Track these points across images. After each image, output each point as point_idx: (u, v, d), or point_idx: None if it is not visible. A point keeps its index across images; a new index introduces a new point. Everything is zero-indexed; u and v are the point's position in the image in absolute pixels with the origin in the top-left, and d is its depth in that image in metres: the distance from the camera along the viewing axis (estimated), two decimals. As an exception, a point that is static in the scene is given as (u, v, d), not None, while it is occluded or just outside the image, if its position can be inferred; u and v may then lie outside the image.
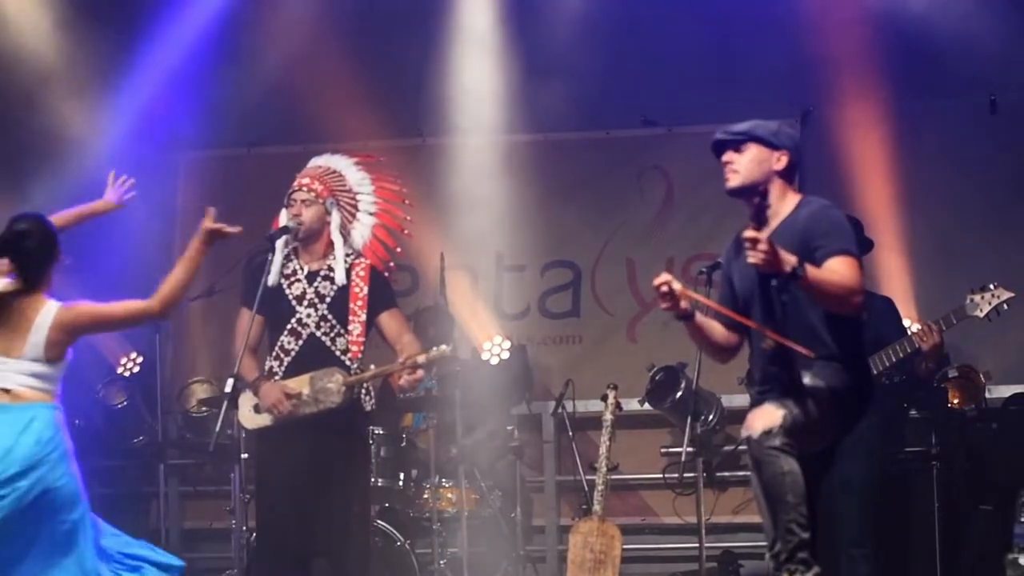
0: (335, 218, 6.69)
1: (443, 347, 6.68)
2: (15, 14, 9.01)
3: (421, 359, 6.57)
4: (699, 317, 5.41)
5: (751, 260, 5.02)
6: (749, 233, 5.04)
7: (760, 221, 5.28)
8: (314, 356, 6.57)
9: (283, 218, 6.70)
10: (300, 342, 6.60)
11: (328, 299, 6.61)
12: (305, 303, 6.61)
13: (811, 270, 5.04)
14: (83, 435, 9.12)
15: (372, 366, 6.65)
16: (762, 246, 4.97)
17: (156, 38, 9.13)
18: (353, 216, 6.78)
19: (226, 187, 9.68)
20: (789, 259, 5.00)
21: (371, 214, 6.84)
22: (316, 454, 6.51)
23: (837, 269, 5.14)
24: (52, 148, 9.21)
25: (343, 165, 6.85)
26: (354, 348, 6.58)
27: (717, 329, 5.47)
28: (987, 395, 8.31)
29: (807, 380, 5.14)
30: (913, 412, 7.84)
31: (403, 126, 9.69)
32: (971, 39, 8.70)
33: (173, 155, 9.96)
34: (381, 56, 9.36)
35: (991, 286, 7.20)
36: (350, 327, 6.59)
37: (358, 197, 6.82)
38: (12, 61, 8.99)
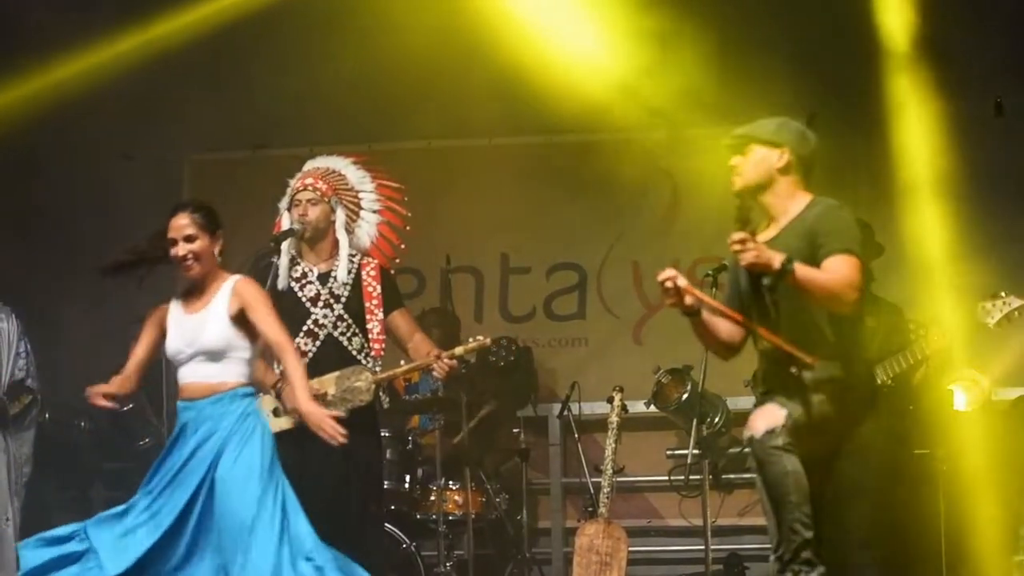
0: (340, 216, 6.71)
1: (481, 338, 6.73)
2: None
3: (459, 351, 6.62)
4: (705, 314, 5.42)
5: (742, 261, 5.06)
6: (735, 235, 5.07)
7: (746, 221, 5.29)
8: (332, 356, 6.58)
9: (285, 221, 6.71)
10: (317, 343, 6.60)
11: (343, 299, 6.62)
12: (320, 304, 6.62)
13: (800, 267, 5.06)
14: (89, 437, 9.19)
15: (401, 362, 6.68)
16: (749, 245, 5.01)
17: (162, 38, 9.13)
18: (357, 215, 6.79)
19: (231, 189, 9.69)
20: (776, 256, 5.03)
21: (375, 212, 6.85)
22: (336, 453, 6.50)
23: (835, 267, 5.15)
24: (61, 152, 9.24)
25: (342, 165, 6.87)
26: (376, 346, 6.62)
27: (723, 326, 5.48)
28: (993, 397, 8.32)
29: (809, 379, 5.15)
30: (919, 414, 7.83)
31: (409, 129, 9.69)
32: (976, 40, 8.69)
33: (178, 157, 9.97)
34: (386, 58, 9.36)
35: (1002, 294, 7.20)
36: (369, 326, 6.61)
37: (360, 195, 6.83)
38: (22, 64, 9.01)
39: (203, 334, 5.71)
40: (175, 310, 5.80)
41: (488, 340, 6.78)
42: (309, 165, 6.88)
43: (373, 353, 6.61)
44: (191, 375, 5.75)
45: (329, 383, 6.54)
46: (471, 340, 6.75)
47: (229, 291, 5.73)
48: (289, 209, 6.72)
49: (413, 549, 7.71)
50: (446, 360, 6.58)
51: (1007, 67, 8.93)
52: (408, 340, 6.73)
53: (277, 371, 6.60)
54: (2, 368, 7.94)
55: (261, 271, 6.66)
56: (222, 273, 5.79)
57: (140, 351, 5.92)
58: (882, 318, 7.20)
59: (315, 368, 6.55)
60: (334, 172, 6.82)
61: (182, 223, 5.71)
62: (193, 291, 5.80)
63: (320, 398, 6.47)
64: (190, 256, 5.71)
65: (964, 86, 9.01)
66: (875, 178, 9.00)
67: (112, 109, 9.27)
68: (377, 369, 6.61)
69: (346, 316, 6.61)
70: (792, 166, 5.40)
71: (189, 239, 5.70)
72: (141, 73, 8.91)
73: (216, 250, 5.76)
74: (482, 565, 8.21)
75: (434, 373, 6.70)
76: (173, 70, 9.11)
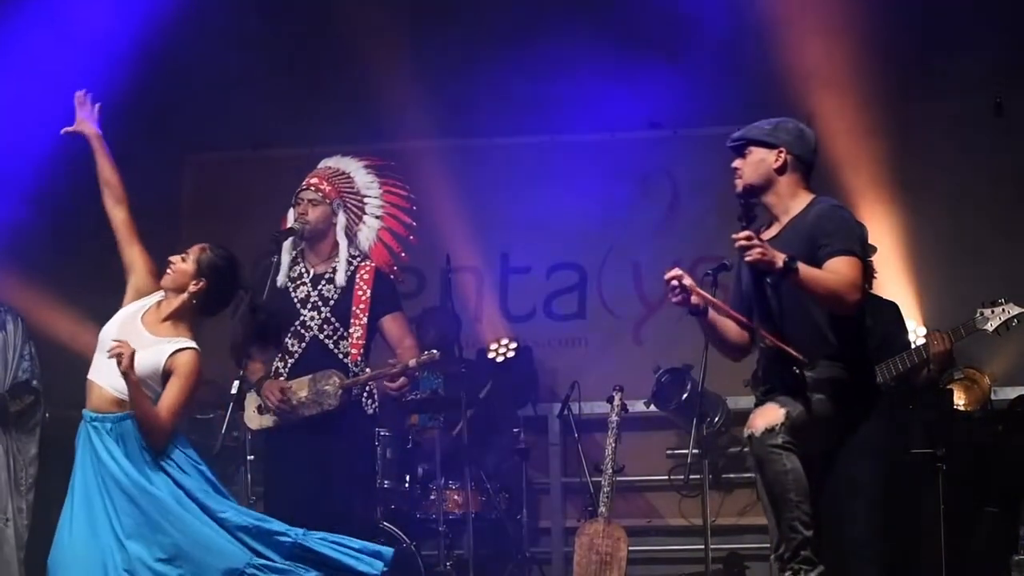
0: (340, 219, 6.71)
1: (433, 352, 6.70)
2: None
3: (412, 363, 6.61)
4: (712, 314, 5.42)
5: (746, 259, 5.07)
6: (738, 234, 5.08)
7: (749, 220, 5.31)
8: (316, 359, 6.60)
9: (291, 218, 6.72)
10: (303, 344, 6.62)
11: (332, 302, 6.63)
12: (309, 306, 6.63)
13: (803, 268, 5.07)
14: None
15: (367, 369, 6.67)
16: (753, 243, 5.02)
17: (163, 38, 9.13)
18: (359, 219, 6.80)
19: (231, 189, 9.69)
20: (779, 256, 5.04)
21: (377, 217, 6.85)
22: (317, 455, 6.53)
23: (837, 268, 5.17)
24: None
25: (353, 167, 6.88)
26: (353, 351, 6.61)
27: (731, 327, 5.48)
28: (992, 397, 8.33)
29: (810, 378, 5.16)
30: (919, 413, 7.84)
31: (410, 128, 9.68)
32: (976, 40, 8.70)
33: (178, 157, 9.97)
34: (389, 58, 9.36)
35: (1001, 301, 7.22)
36: (351, 330, 6.61)
37: (365, 200, 6.83)
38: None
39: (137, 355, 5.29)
40: (146, 304, 5.51)
41: (436, 354, 6.73)
42: (322, 164, 6.90)
43: (350, 358, 6.61)
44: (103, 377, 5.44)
45: (302, 385, 6.57)
46: (424, 354, 6.70)
47: (169, 354, 5.38)
48: (294, 206, 6.74)
49: (413, 548, 7.70)
50: (398, 373, 6.57)
51: (1007, 67, 8.94)
52: (397, 346, 6.73)
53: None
54: (6, 369, 7.95)
55: (262, 270, 6.67)
56: (188, 326, 5.48)
57: (136, 254, 5.61)
58: (882, 318, 7.20)
59: (301, 369, 6.60)
60: (342, 174, 6.83)
61: (195, 245, 5.55)
62: (163, 305, 5.50)
63: (293, 396, 6.50)
64: (171, 266, 5.50)
65: (964, 86, 9.02)
66: (871, 179, 8.99)
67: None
68: (360, 373, 6.61)
69: (333, 319, 6.62)
70: (790, 165, 5.41)
71: (184, 258, 5.51)
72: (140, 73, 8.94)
73: (191, 292, 5.44)
74: (482, 565, 8.20)
75: (387, 390, 6.66)
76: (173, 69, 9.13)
